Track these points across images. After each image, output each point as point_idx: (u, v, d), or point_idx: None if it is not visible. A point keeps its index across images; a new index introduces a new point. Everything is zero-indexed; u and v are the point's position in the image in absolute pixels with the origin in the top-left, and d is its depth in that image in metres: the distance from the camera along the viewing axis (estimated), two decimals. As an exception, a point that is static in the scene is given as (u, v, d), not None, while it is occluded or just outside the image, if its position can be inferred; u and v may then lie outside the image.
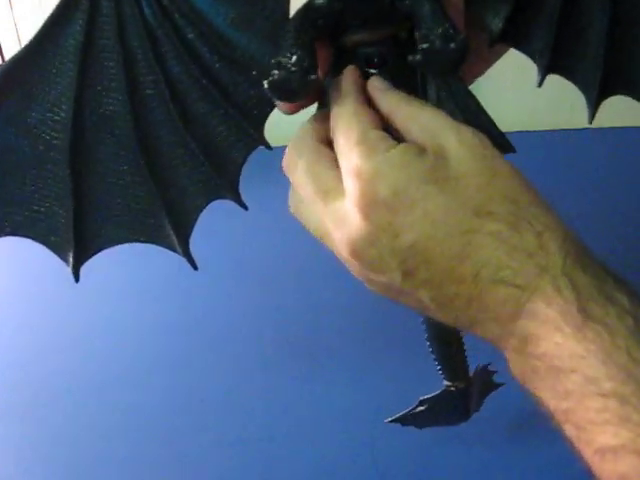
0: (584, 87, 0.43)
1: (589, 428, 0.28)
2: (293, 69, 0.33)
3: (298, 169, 0.35)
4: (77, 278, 0.43)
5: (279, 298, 0.71)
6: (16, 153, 0.39)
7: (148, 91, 0.38)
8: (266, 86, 0.33)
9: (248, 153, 0.41)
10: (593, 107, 0.44)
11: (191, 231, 0.43)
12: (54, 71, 0.37)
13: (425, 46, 0.32)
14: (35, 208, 0.40)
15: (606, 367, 0.27)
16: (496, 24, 0.38)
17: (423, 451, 0.53)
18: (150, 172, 0.40)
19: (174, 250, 0.43)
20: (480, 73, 0.42)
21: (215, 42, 0.37)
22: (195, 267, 0.44)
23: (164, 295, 0.74)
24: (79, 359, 0.66)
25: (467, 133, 0.33)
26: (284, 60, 0.33)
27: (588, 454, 0.28)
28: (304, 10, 0.34)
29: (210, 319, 0.70)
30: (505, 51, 0.42)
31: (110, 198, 0.40)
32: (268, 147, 0.40)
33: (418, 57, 0.33)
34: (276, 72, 0.33)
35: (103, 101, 0.38)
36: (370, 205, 0.32)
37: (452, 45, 0.32)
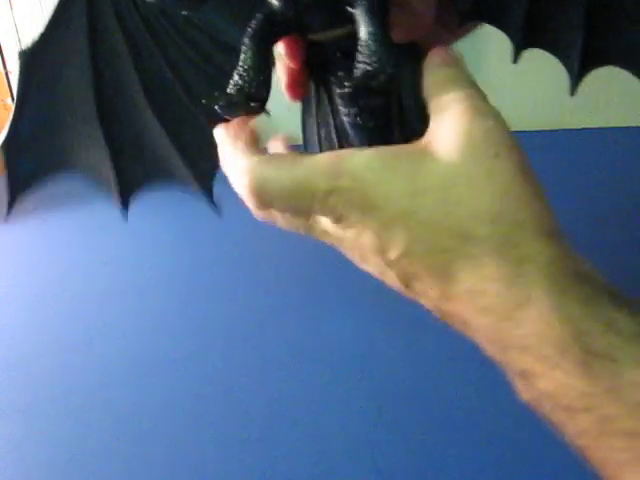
0: (564, 59, 0.43)
1: (613, 467, 0.26)
2: (235, 99, 0.34)
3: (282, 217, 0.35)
4: (125, 210, 0.46)
5: (280, 299, 0.72)
6: (53, 110, 0.45)
7: (152, 66, 0.43)
8: (219, 111, 0.36)
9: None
10: (576, 78, 0.44)
11: (212, 178, 0.46)
12: (70, 47, 0.43)
13: (351, 83, 0.34)
14: (77, 151, 0.46)
15: (622, 403, 0.26)
16: (462, 4, 0.38)
17: (423, 451, 0.53)
18: (165, 128, 0.45)
19: (201, 194, 0.46)
20: (450, 44, 0.41)
21: (203, 26, 0.42)
22: (218, 212, 0.46)
23: (164, 296, 0.74)
24: (80, 359, 0.66)
25: (479, 125, 0.30)
26: (231, 84, 0.35)
27: None
28: (261, 19, 0.35)
29: (211, 320, 0.70)
30: (476, 26, 0.42)
31: (138, 143, 0.46)
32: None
33: (348, 90, 0.35)
34: (221, 102, 0.35)
35: (115, 70, 0.44)
36: (356, 224, 0.31)
37: (374, 83, 0.33)
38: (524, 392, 0.29)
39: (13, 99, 0.94)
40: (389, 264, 0.32)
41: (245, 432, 0.57)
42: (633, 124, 0.98)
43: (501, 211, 0.29)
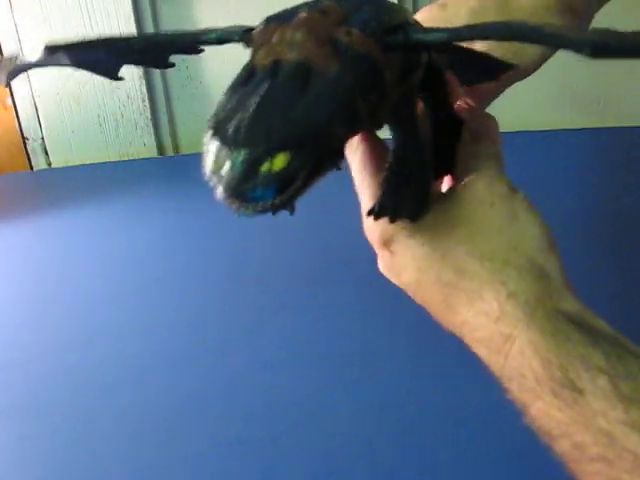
0: None
1: None
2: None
3: None
4: None
5: (280, 297, 0.72)
6: None
7: None
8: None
9: None
10: None
11: None
12: None
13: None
14: None
15: (589, 433, 0.28)
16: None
17: (424, 451, 0.53)
18: None
19: None
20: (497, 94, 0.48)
21: None
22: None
23: (164, 295, 0.74)
24: (79, 359, 0.66)
25: (484, 180, 0.34)
26: None
27: None
28: None
29: (210, 319, 0.70)
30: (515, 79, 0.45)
31: None
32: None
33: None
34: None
35: None
36: (379, 248, 0.36)
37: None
38: (525, 416, 0.32)
39: (13, 99, 0.95)
40: (404, 287, 0.36)
41: (244, 431, 0.57)
42: (633, 124, 0.98)
43: (492, 250, 0.32)
